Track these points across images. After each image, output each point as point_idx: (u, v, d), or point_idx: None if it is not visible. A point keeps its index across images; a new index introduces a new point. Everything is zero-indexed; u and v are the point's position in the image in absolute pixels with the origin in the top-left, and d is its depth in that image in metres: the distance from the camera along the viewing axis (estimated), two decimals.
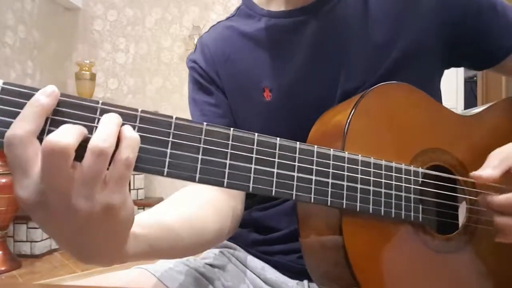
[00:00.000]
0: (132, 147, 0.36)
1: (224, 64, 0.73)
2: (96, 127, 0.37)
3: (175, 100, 3.45)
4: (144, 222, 0.45)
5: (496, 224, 0.54)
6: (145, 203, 2.98)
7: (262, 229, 0.72)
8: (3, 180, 2.22)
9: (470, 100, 3.44)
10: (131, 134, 0.37)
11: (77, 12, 3.44)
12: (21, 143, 0.33)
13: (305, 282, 0.67)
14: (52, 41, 3.19)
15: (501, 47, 0.68)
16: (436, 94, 0.70)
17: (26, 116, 0.34)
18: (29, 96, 0.35)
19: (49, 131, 0.35)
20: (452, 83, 3.49)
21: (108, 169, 0.36)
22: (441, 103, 0.70)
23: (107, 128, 0.35)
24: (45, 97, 0.35)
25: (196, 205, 0.59)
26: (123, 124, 0.38)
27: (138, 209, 2.91)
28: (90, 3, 3.47)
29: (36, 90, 0.35)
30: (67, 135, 0.33)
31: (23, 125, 0.34)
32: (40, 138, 0.35)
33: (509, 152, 0.56)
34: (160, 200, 3.07)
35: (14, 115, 0.34)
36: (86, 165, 0.34)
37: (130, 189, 2.88)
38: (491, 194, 0.54)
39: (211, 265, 0.70)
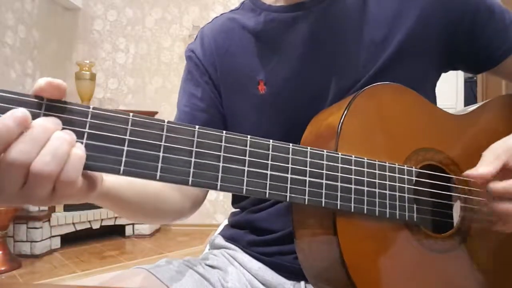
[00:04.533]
0: (74, 165, 0.37)
1: (223, 56, 0.74)
2: (87, 132, 0.37)
3: (175, 100, 3.40)
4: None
5: (495, 211, 0.54)
6: None
7: (258, 230, 0.72)
8: None
9: (470, 100, 3.44)
10: (76, 152, 0.36)
11: (77, 12, 3.44)
12: None
13: (302, 283, 0.67)
14: (52, 41, 3.19)
15: (497, 50, 0.68)
16: (429, 96, 0.70)
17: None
18: (14, 102, 0.35)
19: None
20: (452, 83, 3.49)
21: None
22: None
23: (52, 150, 0.35)
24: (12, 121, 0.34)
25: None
26: (116, 127, 0.38)
27: None
28: (90, 3, 3.47)
29: (20, 94, 0.35)
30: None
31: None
32: None
33: (505, 146, 0.56)
34: None
35: None
36: (29, 185, 0.36)
37: None
38: (491, 182, 0.54)
39: (210, 266, 0.70)
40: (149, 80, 3.49)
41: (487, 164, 0.54)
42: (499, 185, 0.53)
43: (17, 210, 2.36)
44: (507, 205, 0.53)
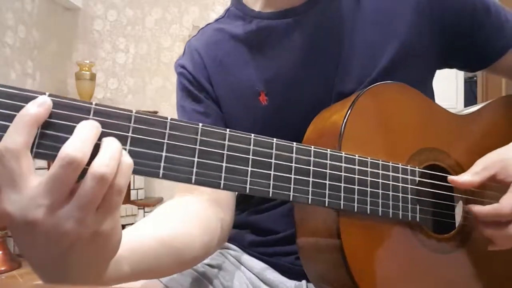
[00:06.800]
0: (126, 173, 0.35)
1: (216, 69, 0.71)
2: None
3: (175, 100, 3.43)
4: (126, 244, 0.42)
5: (484, 234, 0.56)
6: (145, 203, 2.97)
7: (260, 231, 0.72)
8: None
9: (470, 100, 3.43)
10: (126, 159, 0.35)
11: (77, 12, 3.43)
12: (14, 157, 0.32)
13: (304, 282, 0.67)
14: (52, 41, 3.19)
15: (494, 48, 0.68)
16: (429, 93, 0.70)
17: (16, 128, 0.32)
18: (20, 97, 0.34)
19: (41, 134, 0.34)
20: (452, 83, 3.48)
21: None
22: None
23: (110, 152, 0.34)
24: (36, 107, 0.33)
25: (181, 222, 0.57)
26: (118, 125, 0.37)
27: (139, 209, 2.90)
28: (90, 3, 3.46)
29: (27, 91, 0.34)
30: (85, 147, 0.33)
31: (15, 137, 0.32)
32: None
33: (497, 157, 0.56)
34: (160, 200, 3.07)
35: (4, 117, 0.33)
36: (84, 188, 0.33)
37: (130, 189, 2.87)
38: (478, 206, 0.55)
39: (210, 265, 0.70)
40: (149, 80, 3.48)
41: (473, 174, 0.56)
42: (485, 209, 0.54)
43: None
44: (492, 230, 0.55)
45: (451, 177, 0.56)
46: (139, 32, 3.49)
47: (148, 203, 2.97)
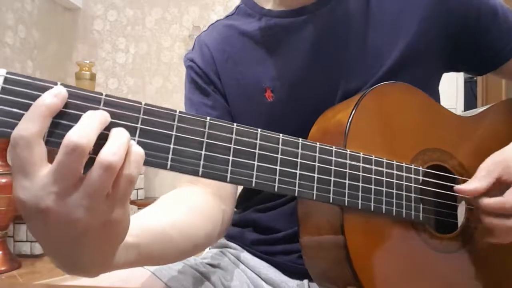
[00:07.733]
0: (137, 162, 0.35)
1: (224, 64, 0.72)
2: None
3: (175, 100, 3.44)
4: (133, 230, 0.43)
5: (487, 225, 0.55)
6: (145, 203, 2.97)
7: (262, 229, 0.72)
8: (3, 180, 2.21)
9: (470, 100, 3.44)
10: (136, 149, 0.36)
11: (77, 12, 3.43)
12: (27, 144, 0.32)
13: (305, 281, 0.67)
14: (52, 41, 3.19)
15: (502, 51, 0.67)
16: (435, 96, 0.70)
17: (31, 117, 0.33)
18: (33, 87, 0.34)
19: (53, 123, 0.34)
20: (452, 83, 3.49)
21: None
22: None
23: (118, 141, 0.34)
24: (52, 97, 0.34)
25: (185, 210, 0.58)
26: (128, 116, 0.37)
27: (138, 209, 2.90)
28: (90, 3, 3.46)
29: (40, 80, 0.35)
30: (89, 134, 0.33)
31: (29, 126, 0.33)
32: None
33: (497, 160, 0.57)
34: None
35: (19, 105, 0.34)
36: (92, 177, 0.33)
37: None
38: (483, 197, 0.55)
39: (211, 264, 0.70)
40: (149, 80, 3.49)
41: (479, 179, 0.56)
42: (490, 201, 0.54)
43: (17, 210, 2.35)
44: (496, 220, 0.55)
45: (457, 187, 0.56)
46: (139, 32, 3.49)
47: (148, 203, 2.95)
